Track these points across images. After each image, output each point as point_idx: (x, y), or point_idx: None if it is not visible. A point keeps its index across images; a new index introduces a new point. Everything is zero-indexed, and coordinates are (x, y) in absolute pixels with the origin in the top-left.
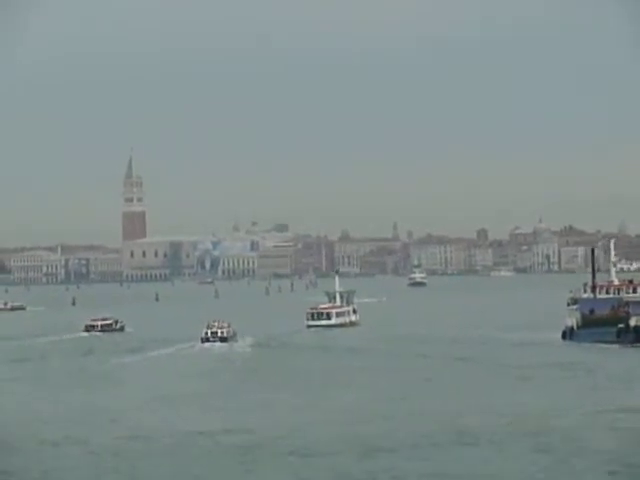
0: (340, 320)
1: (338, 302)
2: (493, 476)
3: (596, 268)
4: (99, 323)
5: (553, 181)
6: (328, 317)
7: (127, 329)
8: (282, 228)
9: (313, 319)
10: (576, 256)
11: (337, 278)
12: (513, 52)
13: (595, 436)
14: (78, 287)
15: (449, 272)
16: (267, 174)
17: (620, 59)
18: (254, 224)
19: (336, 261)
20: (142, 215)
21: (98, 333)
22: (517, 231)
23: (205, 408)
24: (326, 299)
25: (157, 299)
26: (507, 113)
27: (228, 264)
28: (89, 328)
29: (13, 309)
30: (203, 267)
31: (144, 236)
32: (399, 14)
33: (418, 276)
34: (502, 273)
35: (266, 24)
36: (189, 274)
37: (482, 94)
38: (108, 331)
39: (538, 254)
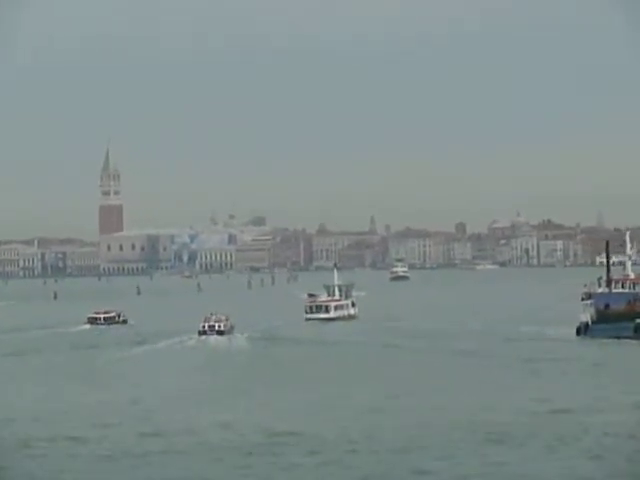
0: (339, 313)
1: (337, 295)
2: (516, 475)
3: (576, 262)
4: (102, 316)
5: (551, 180)
6: (327, 310)
7: (130, 322)
8: (259, 221)
9: (311, 312)
10: (555, 250)
11: (335, 271)
12: (513, 52)
13: (623, 433)
14: (56, 281)
15: (427, 266)
16: (267, 174)
17: (620, 59)
18: (232, 217)
19: (314, 255)
20: (119, 208)
21: (102, 326)
22: (495, 225)
23: (213, 404)
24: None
25: (139, 293)
26: (507, 113)
27: (206, 258)
28: (92, 320)
29: None
30: (181, 260)
31: (121, 229)
32: (399, 14)
33: (400, 270)
34: (487, 267)
35: (266, 24)
36: (166, 268)
37: (482, 93)
38: (112, 324)
39: (517, 248)
